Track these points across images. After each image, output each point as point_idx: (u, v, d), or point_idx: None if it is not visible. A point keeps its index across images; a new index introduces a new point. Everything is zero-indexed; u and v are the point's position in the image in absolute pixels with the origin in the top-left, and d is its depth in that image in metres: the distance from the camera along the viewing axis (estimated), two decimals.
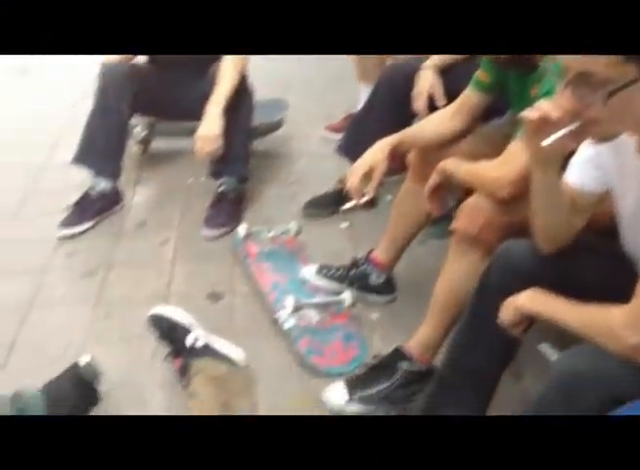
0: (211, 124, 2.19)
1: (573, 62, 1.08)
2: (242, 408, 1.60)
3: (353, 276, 1.93)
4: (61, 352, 1.75)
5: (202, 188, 2.48)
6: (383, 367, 1.61)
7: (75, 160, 2.34)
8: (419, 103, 2.10)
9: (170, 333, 1.72)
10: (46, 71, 3.39)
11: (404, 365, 1.59)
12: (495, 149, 1.69)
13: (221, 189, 2.37)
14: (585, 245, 1.31)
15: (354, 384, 1.61)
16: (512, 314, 1.25)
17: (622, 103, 1.06)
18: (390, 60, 2.47)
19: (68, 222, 2.28)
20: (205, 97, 2.22)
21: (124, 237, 2.29)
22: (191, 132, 2.26)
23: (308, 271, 2.00)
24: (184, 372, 1.66)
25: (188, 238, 2.28)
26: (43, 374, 1.60)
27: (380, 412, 1.58)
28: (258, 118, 2.47)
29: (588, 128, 1.12)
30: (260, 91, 2.44)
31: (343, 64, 2.71)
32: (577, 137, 1.17)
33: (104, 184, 2.33)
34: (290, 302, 1.83)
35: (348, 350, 1.78)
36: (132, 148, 2.63)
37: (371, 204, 2.39)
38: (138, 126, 2.65)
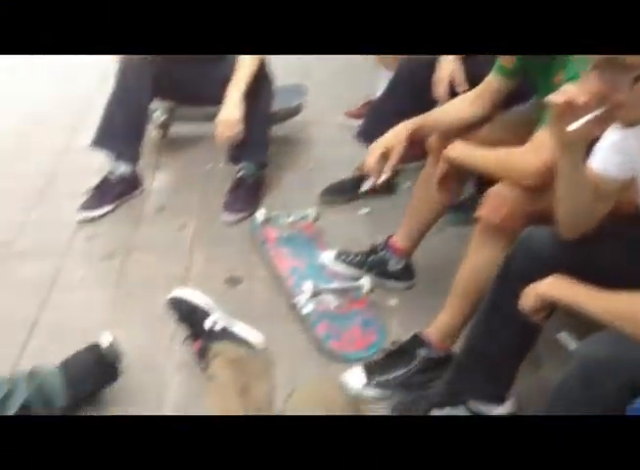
0: (232, 109, 2.19)
1: None
2: (260, 391, 1.60)
3: (372, 262, 1.93)
4: (81, 333, 1.76)
5: (221, 173, 2.49)
6: (401, 353, 1.61)
7: (95, 143, 2.35)
8: (440, 89, 2.08)
9: (189, 316, 1.73)
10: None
11: (422, 352, 1.59)
12: (517, 136, 1.68)
13: (240, 174, 2.37)
14: (609, 232, 1.30)
15: (372, 369, 1.61)
16: (533, 301, 1.24)
17: None
18: None
19: (87, 206, 2.30)
20: (225, 82, 2.22)
21: (144, 221, 2.30)
22: (210, 117, 2.26)
23: (327, 257, 2.00)
24: (203, 355, 1.67)
25: (207, 223, 2.28)
26: (63, 355, 1.60)
27: (396, 398, 1.58)
28: (278, 104, 2.47)
29: (614, 113, 1.11)
30: (280, 76, 2.43)
31: None
32: (603, 122, 1.16)
33: (123, 168, 2.34)
34: (308, 286, 1.84)
35: (366, 335, 1.78)
36: (151, 132, 2.64)
37: (390, 190, 2.39)
38: (158, 110, 2.66)
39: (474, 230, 2.04)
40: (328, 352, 1.74)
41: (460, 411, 1.49)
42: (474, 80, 1.89)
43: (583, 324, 1.35)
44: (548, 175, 1.37)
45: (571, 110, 1.13)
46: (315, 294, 1.84)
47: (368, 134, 2.29)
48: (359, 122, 2.47)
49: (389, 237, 1.93)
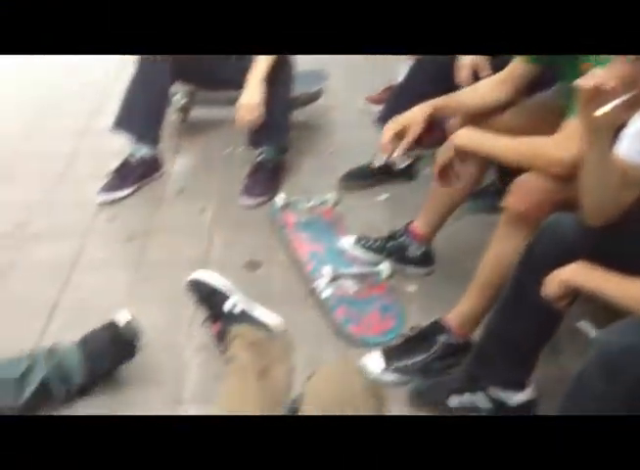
0: (252, 93, 2.19)
1: None
2: (279, 374, 1.60)
3: (392, 247, 1.93)
4: (101, 314, 1.77)
5: (240, 157, 2.49)
6: (420, 339, 1.61)
7: (115, 125, 2.36)
8: (462, 74, 2.06)
9: (209, 298, 1.73)
10: None
11: (442, 338, 1.58)
12: (540, 122, 1.66)
13: (260, 158, 2.37)
14: (634, 219, 1.29)
15: (391, 354, 1.61)
16: (557, 287, 1.23)
17: None
18: None
19: (108, 188, 2.31)
20: (245, 66, 2.22)
21: (164, 204, 2.31)
22: (230, 101, 2.26)
23: (346, 241, 1.99)
24: (222, 337, 1.68)
25: (226, 206, 2.29)
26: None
27: (415, 383, 1.58)
28: (298, 89, 2.46)
29: None
30: (300, 61, 2.42)
31: None
32: (630, 107, 1.15)
33: (144, 151, 2.35)
34: (327, 271, 1.84)
35: (385, 320, 1.78)
36: (172, 116, 2.64)
37: (410, 176, 2.38)
38: (178, 94, 2.66)
39: (495, 218, 2.05)
40: (346, 336, 1.74)
41: (479, 398, 1.49)
42: (496, 66, 1.87)
43: (603, 312, 1.35)
44: (578, 165, 1.35)
45: (599, 94, 1.11)
46: (334, 278, 1.84)
47: (389, 119, 2.27)
48: (380, 108, 2.45)
49: (410, 223, 1.92)
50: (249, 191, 2.31)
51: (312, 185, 2.34)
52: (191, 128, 2.73)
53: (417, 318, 1.77)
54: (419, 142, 2.36)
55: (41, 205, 2.30)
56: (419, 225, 1.89)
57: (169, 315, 1.82)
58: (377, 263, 1.91)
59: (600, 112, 1.11)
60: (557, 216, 1.35)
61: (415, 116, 1.67)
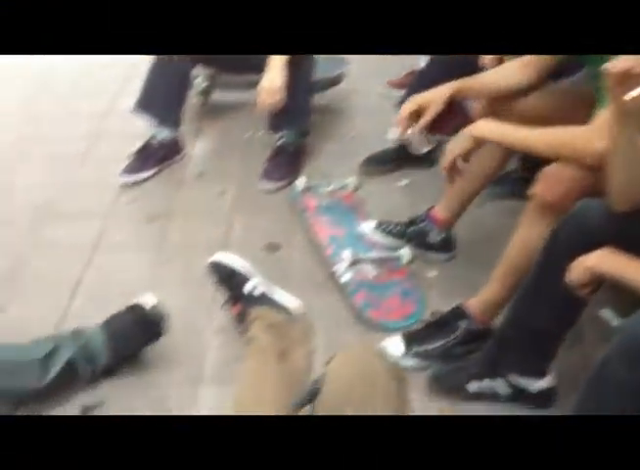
0: (274, 76, 2.18)
1: None
2: (298, 357, 1.61)
3: (412, 233, 1.92)
4: (122, 294, 1.78)
5: (261, 141, 2.48)
6: (441, 324, 1.61)
7: (137, 108, 2.36)
8: (486, 58, 2.03)
9: (229, 280, 1.74)
10: None
11: (463, 324, 1.58)
12: (566, 107, 1.64)
13: (280, 142, 2.36)
14: None
15: (411, 339, 1.61)
16: (581, 274, 1.22)
17: None
18: None
19: (129, 170, 2.33)
20: None
21: (184, 186, 2.32)
22: (251, 85, 2.26)
23: (367, 226, 1.99)
24: (242, 319, 1.68)
25: (246, 189, 2.29)
26: (105, 315, 1.63)
27: (434, 368, 1.58)
28: (319, 73, 2.44)
29: None
30: None
31: None
32: None
33: (165, 133, 2.36)
34: (347, 255, 1.84)
35: (405, 305, 1.78)
36: (193, 99, 2.64)
37: (430, 162, 2.37)
38: (199, 77, 2.66)
39: (517, 205, 2.04)
40: (366, 320, 1.74)
41: (498, 384, 1.48)
42: None
43: (626, 301, 1.34)
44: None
45: (628, 78, 1.10)
46: (354, 262, 1.84)
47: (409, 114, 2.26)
48: (401, 92, 2.43)
49: (431, 208, 1.91)
50: (269, 175, 2.31)
51: (333, 169, 2.33)
52: (212, 112, 2.73)
53: (437, 304, 1.77)
54: (440, 128, 2.35)
55: (64, 186, 2.31)
56: (440, 211, 1.88)
57: (189, 297, 1.83)
58: (397, 248, 1.90)
59: (629, 96, 1.10)
60: (583, 203, 1.33)
61: (435, 95, 1.65)
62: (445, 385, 1.53)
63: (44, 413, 1.51)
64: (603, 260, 1.20)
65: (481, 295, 1.58)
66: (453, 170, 1.60)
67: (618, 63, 1.11)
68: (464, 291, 1.73)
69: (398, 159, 2.33)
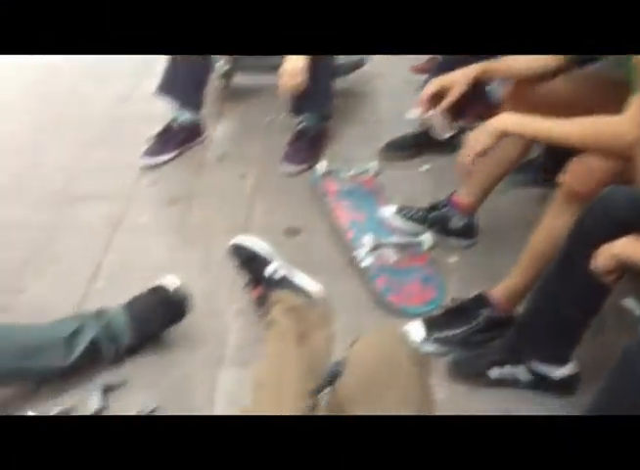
0: (296, 59, 2.16)
1: None
2: (318, 341, 1.61)
3: (434, 218, 1.91)
4: (143, 275, 1.80)
5: (282, 124, 2.48)
6: (462, 311, 1.61)
7: (159, 90, 2.36)
8: None
9: (250, 263, 1.74)
10: None
11: (485, 311, 1.58)
12: (592, 93, 1.62)
13: (302, 126, 2.36)
14: None
15: (432, 324, 1.61)
16: (607, 261, 1.21)
17: None
18: None
19: (150, 152, 2.33)
20: None
21: (205, 169, 2.32)
22: (272, 68, 2.24)
23: (388, 211, 1.98)
24: (262, 302, 1.69)
25: (267, 173, 2.29)
26: (126, 295, 1.64)
27: (455, 354, 1.58)
28: (342, 57, 2.43)
29: None
30: None
31: None
32: None
33: (187, 116, 2.36)
34: (368, 240, 1.83)
35: (426, 291, 1.77)
36: (214, 82, 2.63)
37: (452, 148, 2.35)
38: (221, 60, 2.65)
39: (540, 192, 2.03)
40: (387, 305, 1.74)
41: (520, 371, 1.48)
42: None
43: None
44: None
45: None
46: (375, 247, 1.83)
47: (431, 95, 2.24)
48: (424, 77, 2.41)
49: (453, 194, 1.90)
50: (290, 158, 2.31)
51: (354, 154, 2.32)
52: (233, 95, 2.73)
53: (457, 290, 1.76)
54: (463, 114, 2.33)
55: (85, 168, 2.32)
56: (462, 196, 1.87)
57: (210, 279, 1.84)
58: (417, 234, 1.90)
59: None
60: (610, 189, 1.31)
61: (460, 76, 1.63)
62: (466, 371, 1.52)
63: (68, 392, 1.53)
64: (629, 248, 1.18)
65: (505, 283, 1.57)
66: (471, 166, 1.53)
67: None
68: (484, 277, 1.73)
69: (420, 144, 2.31)
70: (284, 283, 1.71)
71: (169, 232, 2.06)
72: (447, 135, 2.33)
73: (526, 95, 1.66)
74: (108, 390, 1.53)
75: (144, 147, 2.32)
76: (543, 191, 2.03)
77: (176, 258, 1.93)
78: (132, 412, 1.48)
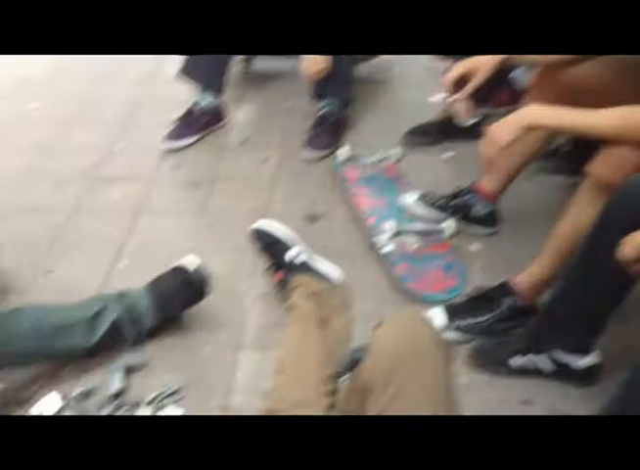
0: None
1: None
2: (338, 326, 1.62)
3: (456, 206, 1.90)
4: (166, 256, 1.80)
5: (303, 109, 2.47)
6: (485, 299, 1.60)
7: (181, 74, 2.36)
8: None
9: (271, 247, 1.74)
10: None
11: (509, 301, 1.56)
12: (618, 79, 1.59)
13: (323, 111, 2.34)
14: None
15: (454, 312, 1.60)
16: (633, 250, 1.19)
17: None
18: None
19: (173, 136, 2.33)
20: None
21: (227, 153, 2.32)
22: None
23: (409, 198, 1.97)
24: (283, 286, 1.69)
25: (288, 158, 2.28)
26: (148, 276, 1.65)
27: (477, 341, 1.57)
28: None
29: None
30: None
31: None
32: None
33: (209, 100, 2.36)
34: (389, 226, 1.82)
35: (448, 279, 1.76)
36: (235, 66, 2.62)
37: (475, 135, 2.32)
38: None
39: (564, 180, 2.00)
40: (407, 292, 1.73)
41: (542, 360, 1.47)
42: None
43: None
44: None
45: None
46: (396, 234, 1.82)
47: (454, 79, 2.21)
48: (446, 64, 2.38)
49: (476, 181, 1.89)
50: (311, 144, 2.30)
51: (375, 140, 2.31)
52: (254, 79, 2.72)
53: (479, 278, 1.75)
54: (487, 100, 2.31)
55: (109, 150, 2.34)
56: (486, 184, 1.85)
57: (231, 263, 1.84)
58: (439, 221, 1.89)
59: None
60: (636, 178, 1.29)
61: (485, 61, 1.60)
62: (488, 358, 1.52)
63: (91, 372, 1.55)
64: None
65: (529, 271, 1.56)
66: (494, 160, 1.49)
67: None
68: (506, 266, 1.72)
69: (442, 131, 2.29)
70: (304, 268, 1.71)
71: (191, 215, 2.07)
72: (470, 122, 2.31)
73: (553, 81, 1.64)
74: (129, 370, 1.55)
75: (166, 130, 2.33)
76: (567, 179, 2.01)
77: (197, 242, 1.93)
78: (154, 393, 1.49)
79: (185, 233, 1.98)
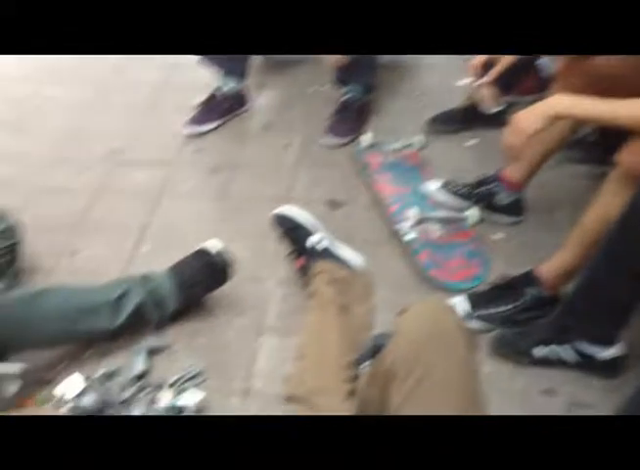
0: None
1: None
2: (359, 312, 1.62)
3: (480, 194, 1.87)
4: (187, 240, 1.81)
5: (325, 95, 2.45)
6: (509, 288, 1.58)
7: (204, 59, 2.35)
8: None
9: (293, 233, 1.74)
10: None
11: (533, 290, 1.55)
12: None
13: (346, 97, 2.33)
14: None
15: (476, 300, 1.59)
16: None
17: None
18: None
19: (195, 121, 2.33)
20: None
21: (248, 139, 2.32)
22: None
23: (433, 185, 1.95)
24: (304, 272, 1.69)
25: (310, 144, 2.27)
26: (170, 259, 1.66)
27: (498, 331, 1.56)
28: None
29: None
30: None
31: None
32: None
33: (231, 85, 2.35)
34: (413, 214, 1.81)
35: (470, 267, 1.75)
36: None
37: (500, 123, 2.29)
38: None
39: (590, 170, 1.97)
40: (429, 280, 1.72)
41: (566, 350, 1.46)
42: None
43: None
44: None
45: None
46: (419, 222, 1.81)
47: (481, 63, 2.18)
48: None
49: (501, 169, 1.86)
50: (334, 130, 2.29)
51: (399, 127, 2.29)
52: (277, 65, 2.70)
53: (501, 267, 1.74)
54: (513, 87, 2.28)
55: (132, 134, 2.35)
56: (511, 173, 1.83)
57: (252, 248, 1.84)
58: (463, 209, 1.87)
59: None
60: None
61: None
62: (510, 348, 1.51)
63: (114, 354, 1.56)
64: None
65: (554, 261, 1.54)
66: (520, 149, 1.46)
67: None
68: (530, 255, 1.70)
69: (467, 118, 2.26)
70: (326, 254, 1.71)
71: (213, 200, 2.07)
72: (495, 109, 2.29)
73: (581, 69, 1.61)
74: (152, 353, 1.56)
75: (188, 115, 2.33)
76: (593, 169, 1.98)
77: (219, 226, 1.94)
78: (175, 376, 1.50)
79: (206, 218, 1.99)
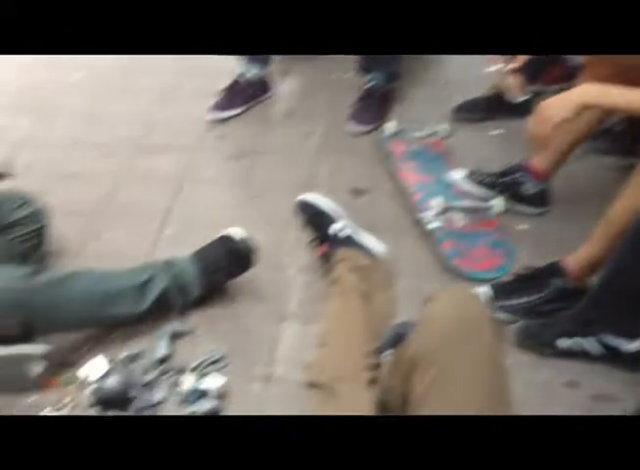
0: None
1: None
2: (381, 300, 1.61)
3: (505, 183, 1.86)
4: (210, 226, 1.81)
5: (349, 83, 2.44)
6: (533, 279, 1.57)
7: None
8: None
9: (316, 220, 1.74)
10: None
11: (558, 282, 1.53)
12: None
13: (370, 85, 2.31)
14: None
15: (500, 291, 1.58)
16: None
17: None
18: None
19: (218, 107, 2.33)
20: None
21: (271, 125, 2.31)
22: None
23: (457, 174, 1.94)
24: (327, 259, 1.69)
25: (333, 131, 2.26)
26: (193, 245, 1.66)
27: (522, 322, 1.55)
28: None
29: None
30: None
31: None
32: None
33: (255, 71, 2.34)
34: (438, 202, 1.80)
35: (494, 257, 1.73)
36: None
37: (526, 112, 2.27)
38: None
39: (617, 161, 1.95)
40: (452, 269, 1.71)
41: (589, 342, 1.44)
42: None
43: None
44: None
45: None
46: (443, 211, 1.80)
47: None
48: None
49: (527, 159, 1.84)
50: (357, 118, 2.27)
51: (423, 115, 2.27)
52: None
53: (525, 258, 1.72)
54: (540, 77, 2.25)
55: (155, 119, 2.35)
56: (538, 162, 1.81)
57: (274, 235, 1.84)
58: (487, 199, 1.86)
59: None
60: None
61: None
62: (534, 339, 1.50)
63: (137, 338, 1.57)
64: None
65: (579, 252, 1.52)
66: (546, 138, 1.45)
67: None
68: (554, 247, 1.69)
69: (492, 107, 2.24)
70: (349, 242, 1.70)
71: (235, 186, 2.07)
72: (521, 98, 2.27)
73: (609, 58, 1.58)
74: (175, 337, 1.57)
75: (212, 101, 2.33)
76: (620, 160, 1.95)
77: (241, 213, 1.94)
78: (197, 360, 1.51)
79: (229, 204, 1.99)
